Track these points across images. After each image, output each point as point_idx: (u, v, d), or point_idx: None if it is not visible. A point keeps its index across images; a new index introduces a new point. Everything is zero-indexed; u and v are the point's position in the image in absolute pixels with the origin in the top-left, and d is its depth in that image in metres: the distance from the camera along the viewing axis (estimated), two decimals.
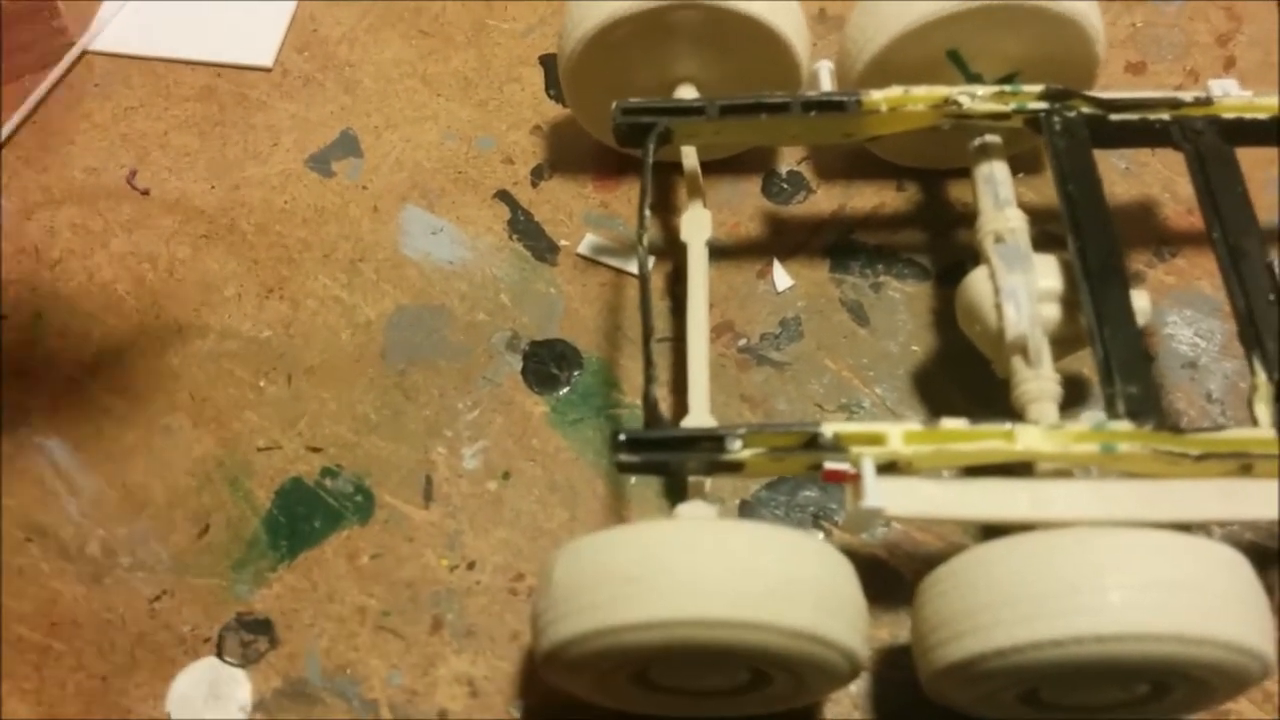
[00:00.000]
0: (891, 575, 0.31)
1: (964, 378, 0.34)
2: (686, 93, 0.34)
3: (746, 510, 0.32)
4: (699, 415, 0.28)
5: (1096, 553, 0.24)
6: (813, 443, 0.26)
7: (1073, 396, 0.32)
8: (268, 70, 0.41)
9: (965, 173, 0.34)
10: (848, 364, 0.35)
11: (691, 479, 0.28)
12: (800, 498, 0.33)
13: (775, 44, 0.33)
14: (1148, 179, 0.38)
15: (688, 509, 0.27)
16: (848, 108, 0.31)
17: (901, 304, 0.36)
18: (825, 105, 0.31)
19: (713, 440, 0.27)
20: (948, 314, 0.35)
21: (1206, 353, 0.35)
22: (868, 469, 0.26)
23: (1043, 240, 0.34)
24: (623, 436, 0.27)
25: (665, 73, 0.35)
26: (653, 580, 0.23)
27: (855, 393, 0.34)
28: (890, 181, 0.38)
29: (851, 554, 0.31)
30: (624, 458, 0.27)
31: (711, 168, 0.38)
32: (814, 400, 0.34)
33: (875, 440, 0.26)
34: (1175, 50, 0.40)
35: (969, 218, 0.34)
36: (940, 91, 0.31)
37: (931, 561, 0.31)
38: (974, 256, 0.32)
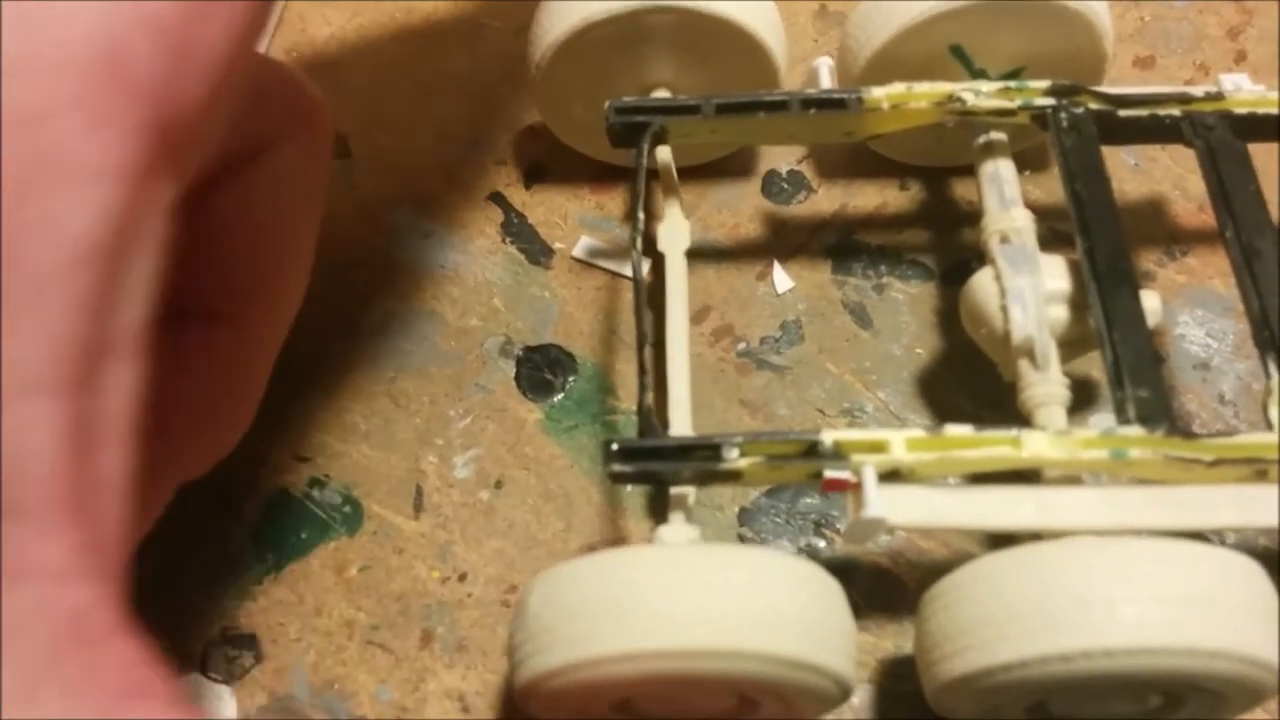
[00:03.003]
0: (895, 583, 0.30)
1: (969, 380, 0.33)
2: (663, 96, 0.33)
3: (746, 517, 0.32)
4: (680, 427, 0.27)
5: (1105, 564, 0.23)
6: (812, 451, 0.26)
7: (1082, 399, 0.31)
8: None
9: (970, 170, 0.33)
10: (850, 367, 0.34)
11: (674, 493, 0.27)
12: (801, 505, 0.32)
13: (751, 46, 0.32)
14: (1158, 175, 0.37)
15: (669, 532, 0.26)
16: (849, 105, 0.30)
17: (905, 305, 0.35)
18: (825, 103, 0.30)
19: (709, 449, 0.26)
20: (952, 315, 0.34)
21: (1219, 353, 0.34)
22: (869, 478, 0.25)
23: (1050, 239, 0.33)
24: (615, 445, 0.26)
25: (640, 78, 0.34)
26: (632, 611, 0.22)
27: (858, 397, 0.33)
28: (893, 180, 0.37)
29: (854, 562, 0.31)
30: (616, 468, 0.26)
31: (710, 167, 0.37)
32: (815, 405, 0.33)
33: (877, 448, 0.26)
34: (1185, 44, 0.39)
35: (974, 216, 0.33)
36: (944, 88, 0.30)
37: (937, 569, 0.30)
38: (979, 255, 0.31)
